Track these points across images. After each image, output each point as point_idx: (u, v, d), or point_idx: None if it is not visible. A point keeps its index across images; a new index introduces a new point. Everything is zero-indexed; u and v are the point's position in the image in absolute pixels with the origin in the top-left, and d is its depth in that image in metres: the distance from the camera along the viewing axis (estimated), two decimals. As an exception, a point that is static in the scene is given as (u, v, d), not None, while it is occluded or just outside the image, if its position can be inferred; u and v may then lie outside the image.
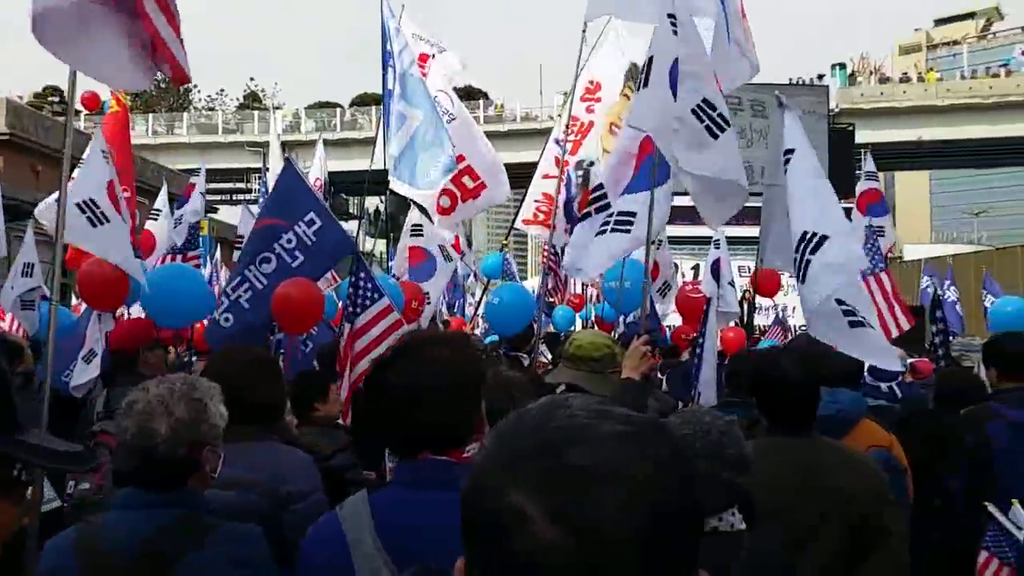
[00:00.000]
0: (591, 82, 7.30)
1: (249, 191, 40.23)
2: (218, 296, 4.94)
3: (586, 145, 7.46)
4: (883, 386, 4.56)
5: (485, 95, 52.81)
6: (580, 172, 7.34)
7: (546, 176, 7.24)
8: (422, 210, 7.42)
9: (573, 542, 0.67)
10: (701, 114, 3.45)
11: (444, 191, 7.02)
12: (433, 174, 6.93)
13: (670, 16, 3.43)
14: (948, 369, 5.24)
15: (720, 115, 3.49)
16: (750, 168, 27.99)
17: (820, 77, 41.88)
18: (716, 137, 3.49)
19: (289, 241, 4.46)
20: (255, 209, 10.10)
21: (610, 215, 4.66)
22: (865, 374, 4.65)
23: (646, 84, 3.50)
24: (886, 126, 40.65)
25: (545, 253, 8.88)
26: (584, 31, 6.80)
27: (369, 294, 4.57)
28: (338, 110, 49.46)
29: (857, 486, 2.74)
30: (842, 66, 46.28)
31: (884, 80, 45.16)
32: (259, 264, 4.44)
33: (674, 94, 3.42)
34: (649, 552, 0.69)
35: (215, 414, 2.03)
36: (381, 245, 12.38)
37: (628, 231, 4.54)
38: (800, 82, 37.56)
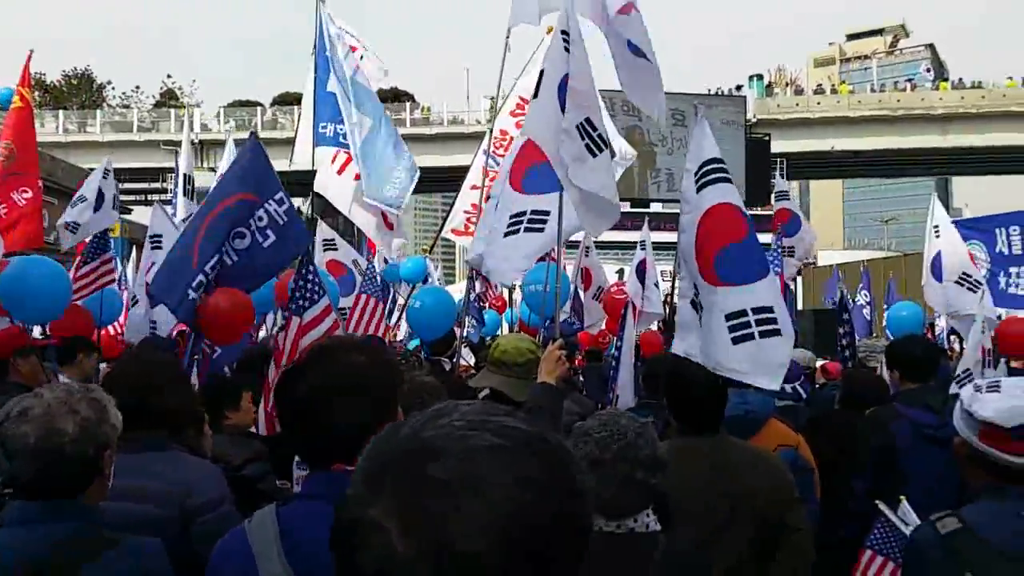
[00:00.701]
0: (521, 99, 7.39)
1: (165, 191, 38.97)
2: (126, 301, 4.76)
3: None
4: (787, 387, 4.72)
5: (411, 98, 52.52)
6: None
7: (474, 187, 7.27)
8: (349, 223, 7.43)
9: (426, 557, 0.66)
10: (583, 132, 3.54)
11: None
12: (391, 191, 7.00)
13: (563, 33, 3.54)
14: (853, 371, 5.45)
15: (599, 136, 3.60)
16: (671, 175, 28.52)
17: (738, 88, 43.10)
18: (595, 156, 3.58)
19: (260, 219, 4.31)
20: (170, 209, 9.80)
21: (522, 214, 4.65)
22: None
23: (536, 96, 3.65)
24: (801, 136, 42.09)
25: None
26: (508, 37, 6.85)
27: (317, 289, 4.50)
28: (259, 109, 48.41)
29: (764, 485, 2.82)
30: (759, 77, 47.74)
31: (799, 92, 46.78)
32: (232, 240, 4.27)
33: (562, 108, 3.52)
34: (509, 569, 0.67)
35: (114, 415, 1.97)
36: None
37: (541, 230, 4.56)
38: (719, 93, 38.55)
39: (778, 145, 37.32)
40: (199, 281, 4.15)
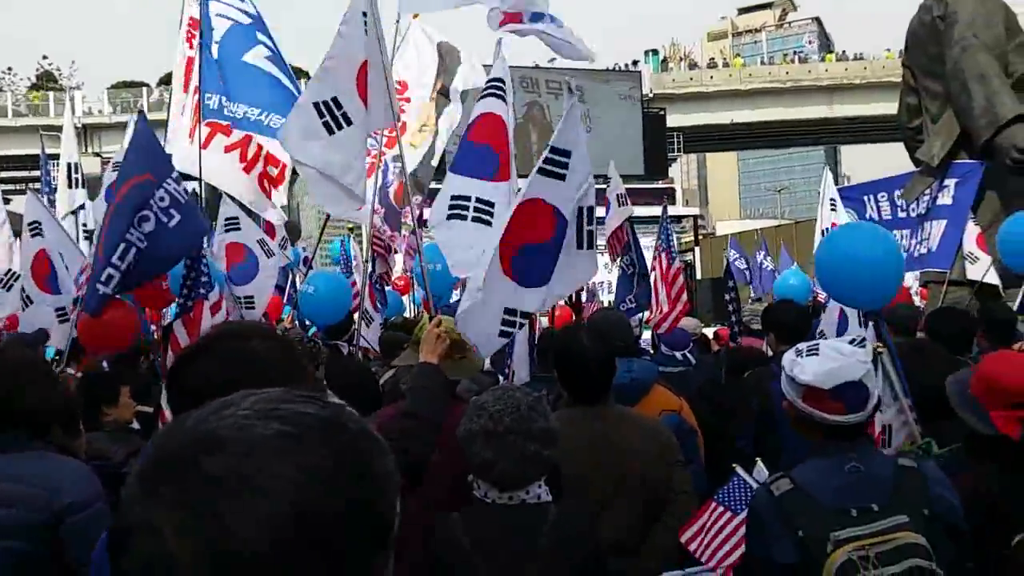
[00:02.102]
0: (399, 82, 7.29)
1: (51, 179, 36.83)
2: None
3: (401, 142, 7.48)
4: (677, 354, 4.90)
5: (307, 75, 51.15)
6: (397, 164, 7.32)
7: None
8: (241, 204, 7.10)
9: (202, 559, 0.62)
10: (322, 110, 3.59)
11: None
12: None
13: (364, 14, 3.62)
14: (737, 345, 5.69)
15: (343, 114, 3.64)
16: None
17: (635, 63, 43.78)
18: (331, 133, 3.64)
19: (162, 199, 4.13)
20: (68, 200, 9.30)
21: (466, 199, 4.40)
22: (661, 344, 4.97)
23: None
24: (696, 109, 43.20)
25: (376, 239, 8.81)
26: (398, 22, 6.78)
27: (206, 281, 4.39)
28: (144, 90, 46.15)
29: (649, 450, 2.92)
30: (655, 52, 48.63)
31: (693, 66, 47.90)
32: (139, 224, 4.10)
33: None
34: (296, 565, 0.64)
35: None
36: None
37: (490, 224, 4.25)
38: (616, 68, 39.07)
39: (674, 119, 38.22)
40: (108, 274, 4.02)
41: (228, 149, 6.99)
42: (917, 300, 8.97)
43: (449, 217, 4.25)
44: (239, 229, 6.59)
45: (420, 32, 7.11)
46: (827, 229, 7.26)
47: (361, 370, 3.88)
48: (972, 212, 7.07)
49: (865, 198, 7.67)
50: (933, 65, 7.82)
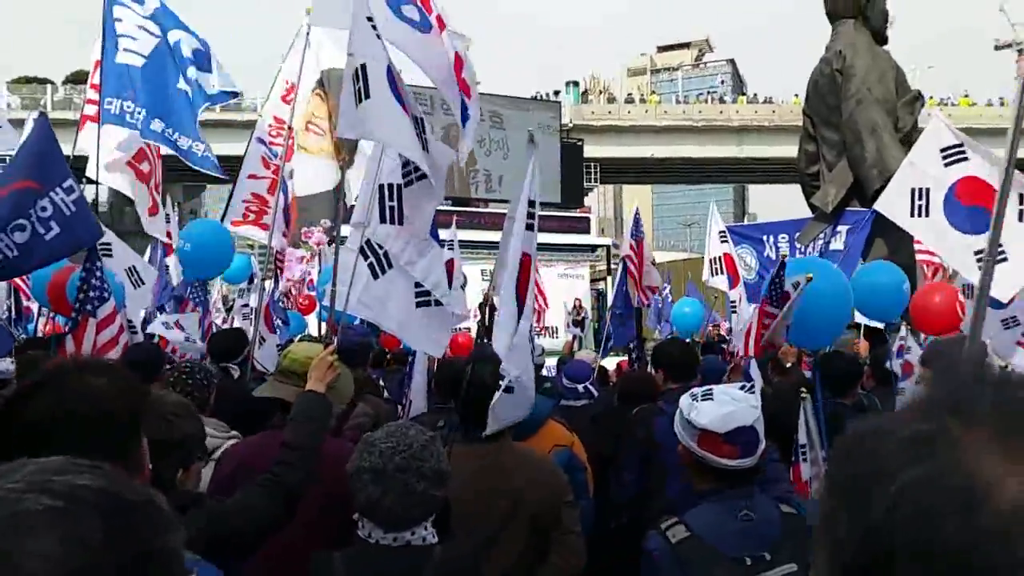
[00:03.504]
0: (287, 82, 7.17)
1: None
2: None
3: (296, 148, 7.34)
4: (579, 387, 4.94)
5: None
6: (291, 180, 7.17)
7: (252, 176, 6.96)
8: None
9: None
10: (420, 125, 3.45)
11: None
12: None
13: (369, 19, 3.32)
14: (629, 371, 5.77)
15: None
16: (489, 175, 28.79)
17: (556, 93, 44.55)
18: (427, 150, 3.50)
19: (44, 209, 3.96)
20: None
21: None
22: (562, 377, 5.00)
23: (367, 95, 3.25)
24: (612, 142, 44.17)
25: (279, 258, 8.59)
26: (308, 34, 6.69)
27: (105, 287, 4.19)
28: (49, 87, 44.16)
29: (537, 487, 2.91)
30: (576, 84, 49.62)
31: (611, 100, 49.10)
32: (11, 232, 3.90)
33: (400, 99, 3.35)
34: None
35: None
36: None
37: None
38: (540, 97, 39.66)
39: (591, 150, 38.99)
40: None
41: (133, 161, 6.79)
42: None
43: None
44: (111, 256, 6.35)
45: (315, 38, 6.97)
46: (716, 258, 7.53)
47: (251, 395, 3.76)
48: (862, 258, 7.44)
49: (765, 238, 7.98)
50: (831, 115, 8.24)
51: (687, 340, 7.35)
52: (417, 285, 3.70)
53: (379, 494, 2.10)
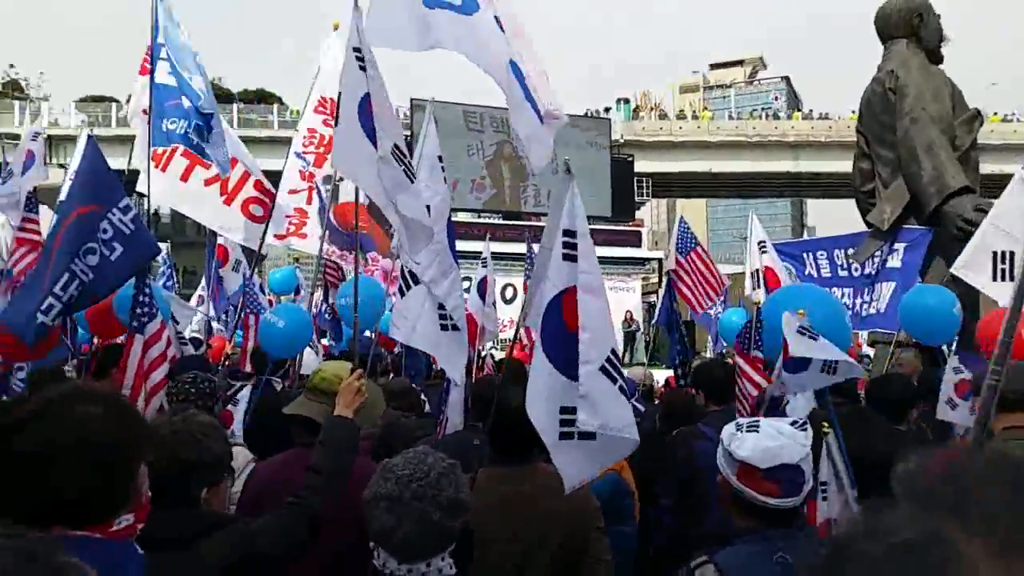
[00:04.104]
0: (322, 97, 7.28)
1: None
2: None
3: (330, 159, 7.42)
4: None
5: (279, 99, 50.96)
6: (328, 187, 7.23)
7: (292, 191, 7.07)
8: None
9: None
10: (397, 158, 3.34)
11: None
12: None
13: (355, 51, 3.30)
14: (672, 391, 5.62)
15: (408, 162, 3.43)
16: (538, 190, 28.78)
17: (607, 110, 44.39)
18: (412, 182, 3.42)
19: (105, 231, 4.11)
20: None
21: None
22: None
23: (336, 123, 3.32)
24: (664, 158, 43.81)
25: (329, 266, 8.65)
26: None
27: (153, 303, 4.33)
28: (113, 105, 45.57)
29: (566, 512, 2.82)
30: (627, 101, 49.37)
31: (663, 116, 48.72)
32: (84, 256, 4.07)
33: (370, 134, 3.29)
34: None
35: None
36: (162, 249, 11.56)
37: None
38: (590, 114, 39.60)
39: (642, 165, 38.78)
40: (49, 304, 3.97)
41: (208, 182, 6.94)
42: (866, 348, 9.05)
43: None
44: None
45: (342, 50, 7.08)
46: (758, 271, 7.33)
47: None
48: (920, 277, 7.18)
49: (805, 255, 7.77)
50: (884, 133, 7.99)
51: (728, 360, 7.14)
52: (440, 307, 3.65)
53: (394, 523, 2.02)
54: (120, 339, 4.93)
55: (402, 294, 3.62)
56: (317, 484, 2.43)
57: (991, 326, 5.65)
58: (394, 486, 2.07)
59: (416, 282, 3.63)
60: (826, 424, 3.07)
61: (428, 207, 3.77)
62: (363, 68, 3.30)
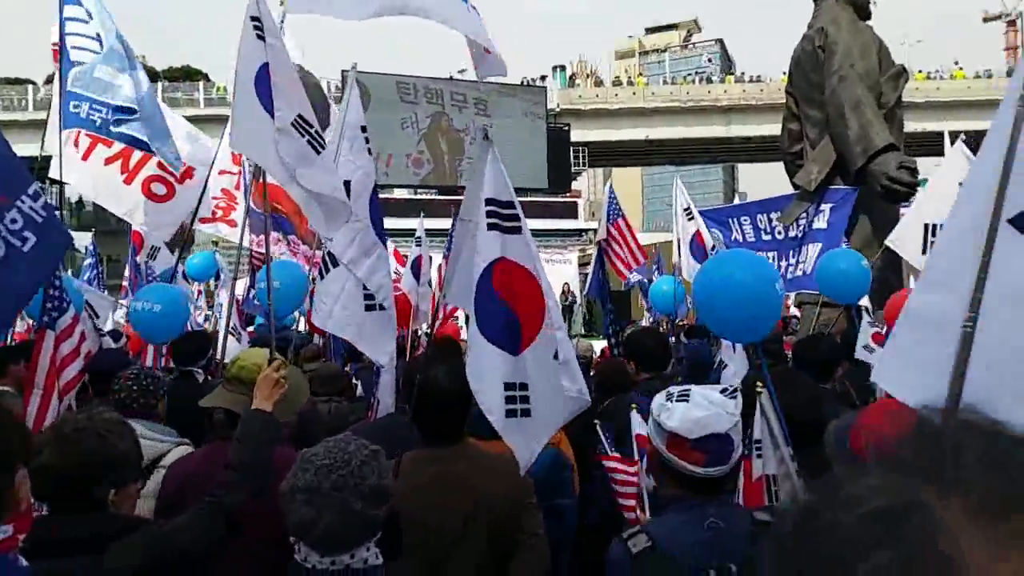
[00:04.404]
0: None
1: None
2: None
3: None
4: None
5: (205, 76, 49.42)
6: (251, 164, 7.03)
7: (223, 172, 6.80)
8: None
9: None
10: (300, 129, 3.16)
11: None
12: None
13: (253, 20, 3.11)
14: (606, 361, 5.64)
15: (316, 132, 3.23)
16: (474, 164, 29.08)
17: (543, 78, 44.21)
18: (318, 153, 3.23)
19: (14, 221, 3.69)
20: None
21: None
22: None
23: (234, 97, 3.15)
24: (600, 126, 43.93)
25: (253, 252, 8.42)
26: (283, 23, 6.51)
27: (64, 295, 4.08)
28: (30, 87, 43.62)
29: (498, 490, 2.78)
30: (563, 68, 49.26)
31: (599, 83, 48.77)
32: None
33: (268, 105, 3.12)
34: None
35: None
36: (86, 238, 11.09)
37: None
38: (526, 83, 39.38)
39: (578, 134, 38.76)
40: None
41: (108, 161, 6.60)
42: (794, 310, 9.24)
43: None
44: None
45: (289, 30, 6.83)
46: (686, 238, 7.41)
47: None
48: (845, 236, 7.31)
49: (731, 220, 7.87)
50: (813, 92, 8.09)
51: (661, 328, 7.16)
52: (364, 287, 3.54)
53: (313, 515, 1.95)
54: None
55: (322, 277, 3.50)
56: (233, 480, 2.34)
57: (896, 305, 5.82)
58: (312, 477, 2.00)
59: (335, 264, 3.51)
60: (759, 384, 3.09)
61: (348, 182, 3.64)
62: (261, 37, 3.13)
